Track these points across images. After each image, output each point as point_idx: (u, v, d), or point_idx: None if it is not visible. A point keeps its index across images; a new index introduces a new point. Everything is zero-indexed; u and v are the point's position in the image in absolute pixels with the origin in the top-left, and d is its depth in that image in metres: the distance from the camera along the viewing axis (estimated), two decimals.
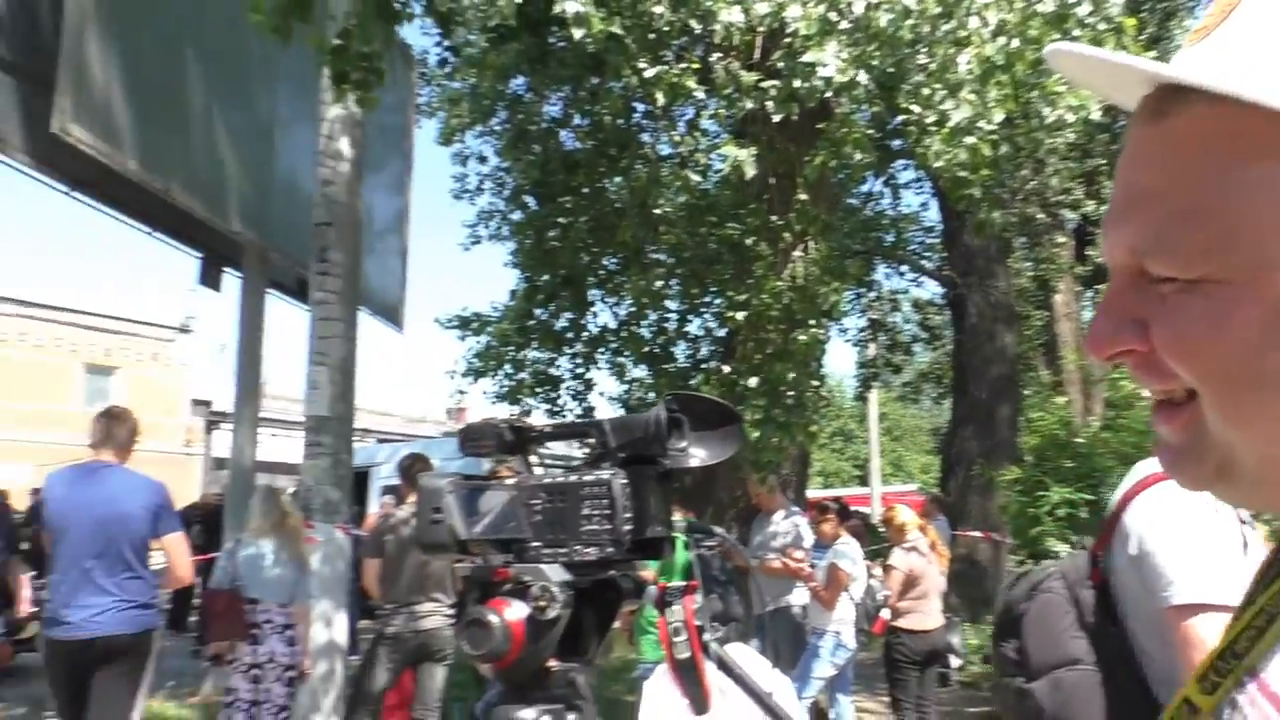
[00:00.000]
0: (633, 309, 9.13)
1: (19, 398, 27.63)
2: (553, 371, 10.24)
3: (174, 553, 4.46)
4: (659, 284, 8.34)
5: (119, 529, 4.23)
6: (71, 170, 7.32)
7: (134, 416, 4.61)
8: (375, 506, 12.50)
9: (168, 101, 7.59)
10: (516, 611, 1.13)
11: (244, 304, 9.10)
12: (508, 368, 10.22)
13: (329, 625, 6.42)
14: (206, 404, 31.39)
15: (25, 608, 5.47)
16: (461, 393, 10.70)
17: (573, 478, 1.18)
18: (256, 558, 5.53)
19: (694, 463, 1.24)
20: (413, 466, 5.43)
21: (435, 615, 5.18)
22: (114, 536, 4.21)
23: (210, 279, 9.43)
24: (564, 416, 9.47)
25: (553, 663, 1.17)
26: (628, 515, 1.16)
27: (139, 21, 7.16)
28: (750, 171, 6.12)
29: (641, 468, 1.19)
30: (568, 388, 10.20)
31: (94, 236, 76.02)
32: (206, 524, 11.53)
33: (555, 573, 1.14)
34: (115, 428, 4.42)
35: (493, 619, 1.11)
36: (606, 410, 10.30)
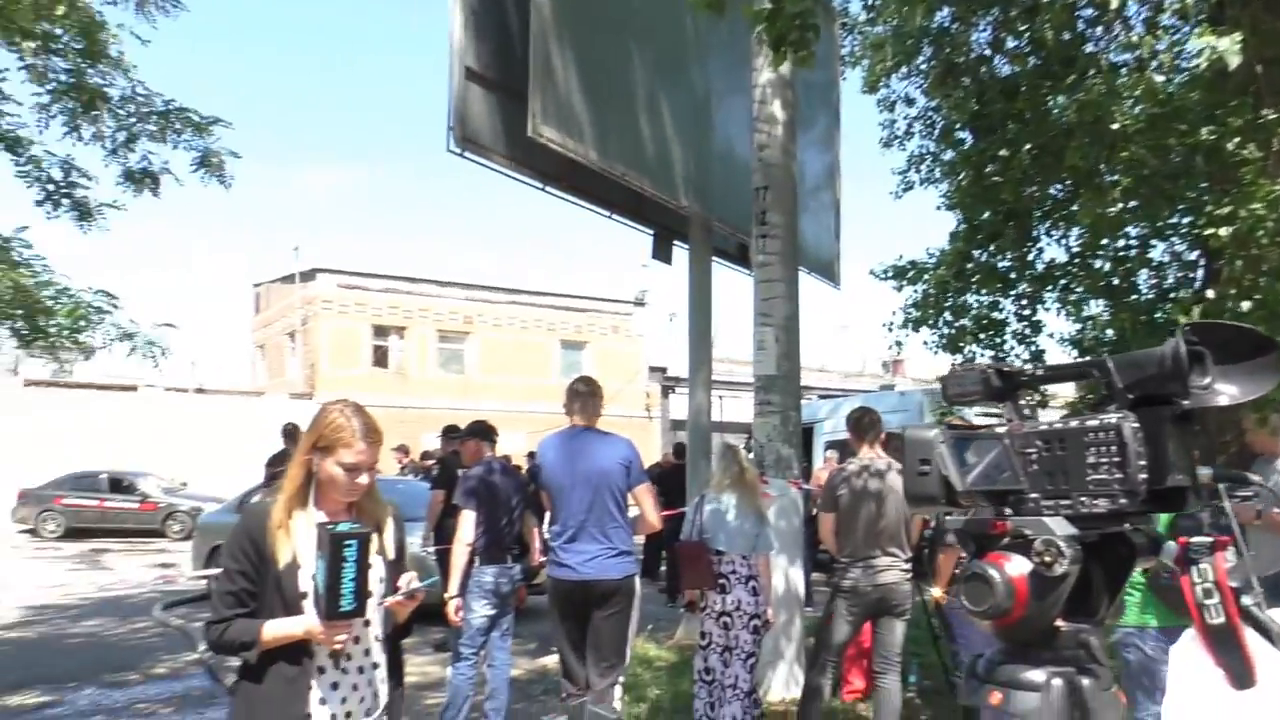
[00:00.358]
0: (1086, 239, 8.29)
1: (511, 373, 32.06)
2: (995, 315, 9.69)
3: (644, 502, 4.88)
4: (1115, 208, 7.44)
5: (603, 484, 4.70)
6: (543, 167, 8.28)
7: (599, 385, 5.10)
8: (819, 462, 12.73)
9: (618, 92, 8.29)
10: (1018, 567, 1.06)
11: (692, 273, 9.68)
12: (947, 315, 9.84)
13: (787, 577, 6.66)
14: (662, 370, 34.05)
15: (538, 557, 6.28)
16: (899, 344, 10.51)
17: (1074, 423, 1.08)
18: (720, 512, 5.85)
19: (1222, 401, 1.07)
20: (862, 419, 5.40)
21: (892, 569, 5.12)
22: (599, 491, 4.68)
23: (662, 253, 10.13)
24: (1009, 363, 8.90)
25: (1060, 622, 1.09)
26: (1142, 463, 1.03)
27: (590, 23, 7.89)
28: (1234, 61, 5.21)
29: (1156, 409, 1.05)
30: (1013, 331, 9.61)
31: (561, 225, 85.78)
32: (665, 483, 12.40)
33: (1059, 526, 1.05)
34: (588, 396, 4.93)
35: (994, 574, 1.05)
36: (1057, 354, 9.54)
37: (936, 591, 5.31)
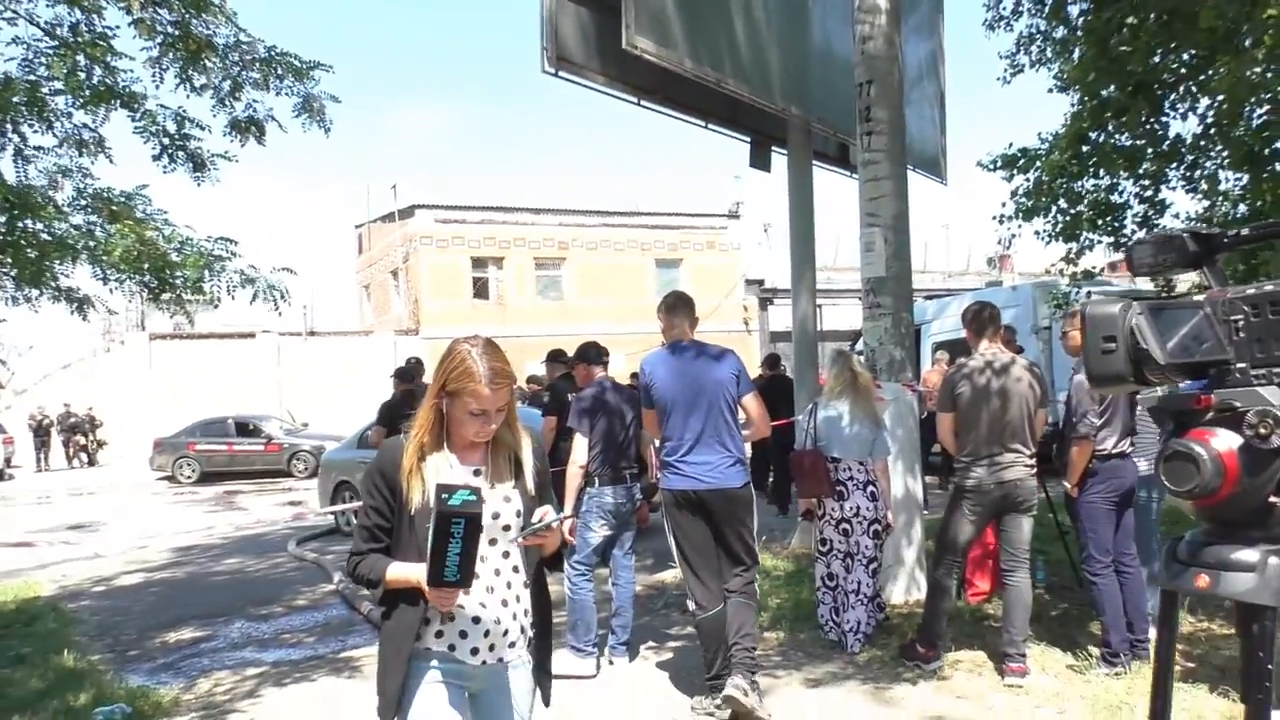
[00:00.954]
0: (1222, 108, 7.72)
1: (608, 295, 32.19)
2: (1115, 199, 9.24)
3: (753, 410, 4.85)
4: (1256, 71, 6.85)
5: (716, 394, 4.69)
6: (637, 81, 8.14)
7: (689, 296, 5.06)
8: (927, 364, 12.48)
9: None
10: (1226, 441, 0.99)
11: (792, 178, 9.45)
12: (1061, 202, 9.43)
13: (905, 481, 6.58)
14: (759, 283, 33.71)
15: (656, 474, 6.28)
16: (1012, 236, 10.16)
17: None
18: (834, 419, 5.80)
19: None
20: (981, 313, 5.20)
21: (1017, 466, 4.99)
22: (713, 401, 4.68)
23: (760, 160, 9.89)
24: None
25: (1275, 498, 1.02)
26: None
27: None
28: None
29: None
30: (1134, 214, 9.16)
31: (653, 143, 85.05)
32: (763, 394, 12.21)
33: (1275, 395, 0.97)
34: (684, 309, 4.91)
35: (1200, 451, 0.98)
36: None
37: (1067, 485, 5.17)
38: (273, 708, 5.24)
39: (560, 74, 7.41)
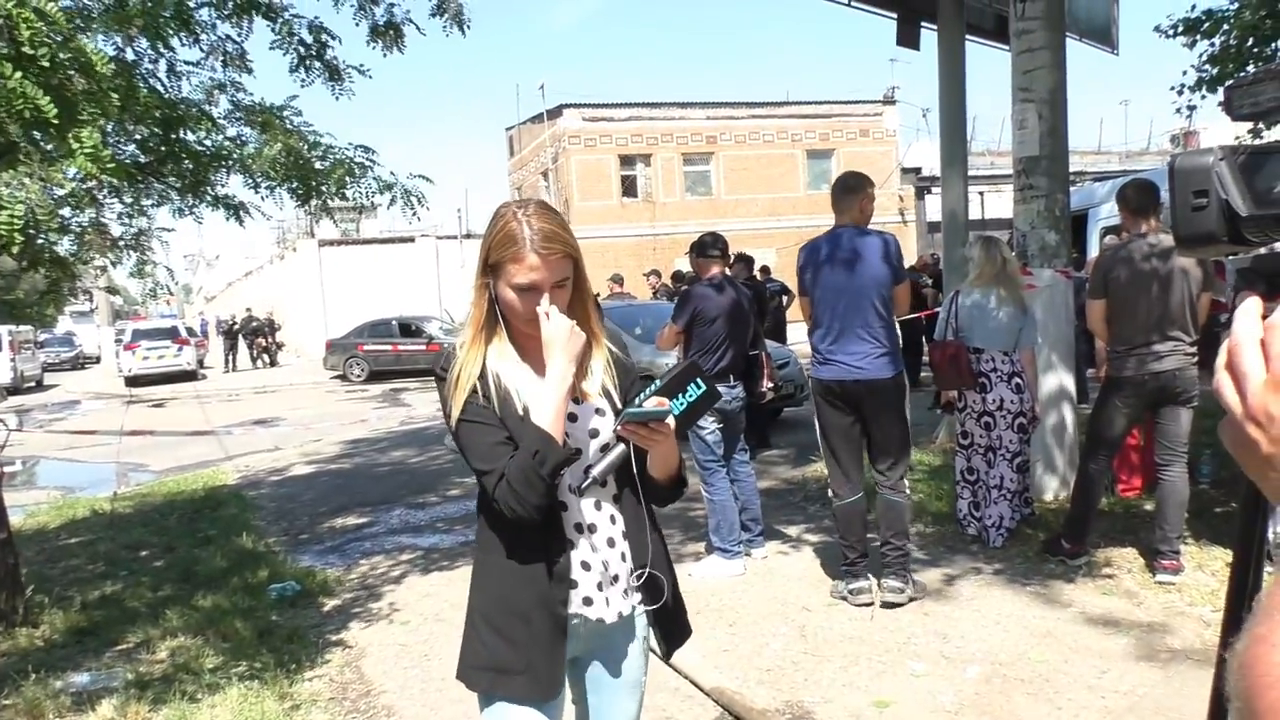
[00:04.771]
0: None
1: (757, 190, 31.61)
2: None
3: (897, 298, 4.68)
4: None
5: (867, 282, 4.55)
6: None
7: (861, 179, 4.80)
8: (1094, 251, 11.73)
9: None
10: None
11: (941, 54, 8.87)
12: (1252, 67, 8.52)
13: (1055, 372, 6.27)
14: (915, 171, 32.31)
15: (766, 381, 6.07)
16: (1190, 109, 9.29)
17: None
18: (977, 307, 5.55)
19: None
20: (1139, 192, 4.79)
21: (1175, 355, 4.64)
22: (864, 290, 4.55)
23: (907, 37, 9.31)
24: None
25: None
26: None
27: None
28: None
29: None
30: None
31: (797, 27, 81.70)
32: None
33: None
34: (846, 195, 4.71)
35: None
36: None
37: None
38: (421, 589, 5.58)
39: None
